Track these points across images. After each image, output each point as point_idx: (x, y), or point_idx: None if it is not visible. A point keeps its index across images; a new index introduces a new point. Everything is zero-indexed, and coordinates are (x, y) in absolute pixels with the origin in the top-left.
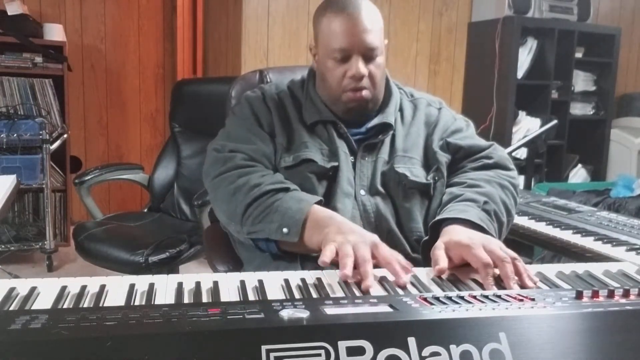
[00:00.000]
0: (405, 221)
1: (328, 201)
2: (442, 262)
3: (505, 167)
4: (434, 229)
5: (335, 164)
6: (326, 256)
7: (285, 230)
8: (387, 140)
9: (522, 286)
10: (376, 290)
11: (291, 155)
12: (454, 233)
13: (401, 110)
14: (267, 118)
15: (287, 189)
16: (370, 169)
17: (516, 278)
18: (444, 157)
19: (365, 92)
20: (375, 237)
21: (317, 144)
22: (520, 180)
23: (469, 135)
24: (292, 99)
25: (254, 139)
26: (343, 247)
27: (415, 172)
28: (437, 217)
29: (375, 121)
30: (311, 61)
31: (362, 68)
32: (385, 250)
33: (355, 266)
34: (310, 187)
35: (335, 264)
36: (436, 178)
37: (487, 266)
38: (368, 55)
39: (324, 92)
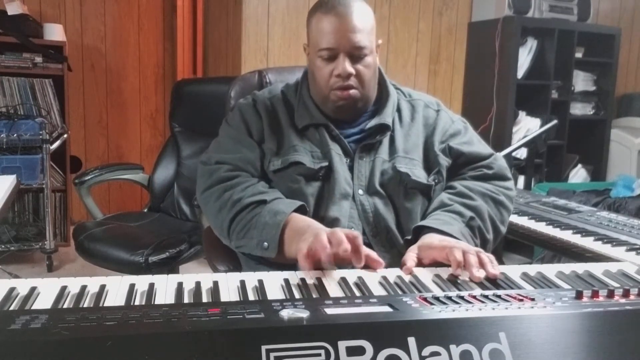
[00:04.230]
0: (405, 221)
1: (321, 202)
2: (410, 262)
3: (504, 178)
4: (416, 232)
5: (325, 164)
6: (302, 264)
7: (265, 244)
8: (386, 140)
9: (487, 275)
10: (376, 290)
11: (280, 158)
12: (429, 239)
13: (399, 110)
14: (257, 125)
15: (265, 201)
16: (368, 169)
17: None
18: (445, 161)
19: (353, 92)
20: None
21: (308, 147)
22: (520, 180)
23: (469, 140)
24: (285, 103)
25: (240, 147)
26: (317, 237)
27: (417, 172)
28: (421, 223)
29: (372, 122)
30: None
31: (349, 67)
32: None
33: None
34: (299, 189)
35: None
36: (436, 180)
37: (455, 258)
38: (355, 55)
39: (314, 91)
